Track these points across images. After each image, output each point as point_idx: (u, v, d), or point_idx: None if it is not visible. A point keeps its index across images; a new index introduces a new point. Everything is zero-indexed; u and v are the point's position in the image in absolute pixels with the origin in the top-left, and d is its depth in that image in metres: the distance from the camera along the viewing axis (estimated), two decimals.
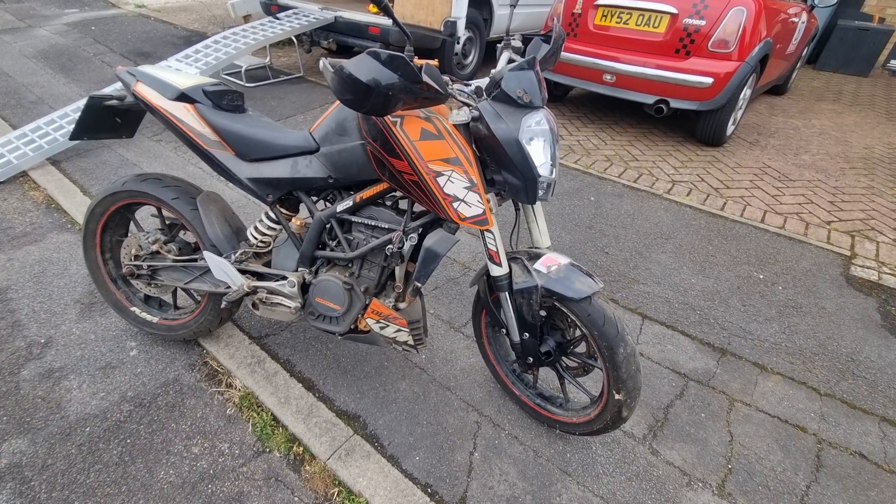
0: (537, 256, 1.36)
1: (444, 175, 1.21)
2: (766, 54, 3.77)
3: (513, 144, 1.16)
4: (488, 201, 1.26)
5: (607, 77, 3.82)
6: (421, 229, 1.38)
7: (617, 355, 1.27)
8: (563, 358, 1.50)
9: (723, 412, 1.73)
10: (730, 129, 3.94)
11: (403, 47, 4.46)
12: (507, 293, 1.38)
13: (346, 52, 5.78)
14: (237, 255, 1.54)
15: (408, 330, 1.49)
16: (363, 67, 0.97)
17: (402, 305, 1.51)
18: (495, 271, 1.36)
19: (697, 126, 3.89)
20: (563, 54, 3.99)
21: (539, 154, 1.20)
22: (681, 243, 2.62)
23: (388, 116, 1.23)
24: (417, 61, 1.13)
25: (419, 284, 1.40)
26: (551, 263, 1.33)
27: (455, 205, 1.24)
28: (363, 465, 1.49)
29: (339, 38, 4.60)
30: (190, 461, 1.48)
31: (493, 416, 1.67)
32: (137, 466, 1.46)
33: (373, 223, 1.42)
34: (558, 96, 4.82)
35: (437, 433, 1.60)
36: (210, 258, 1.51)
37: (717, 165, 3.62)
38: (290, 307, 1.52)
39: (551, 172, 1.23)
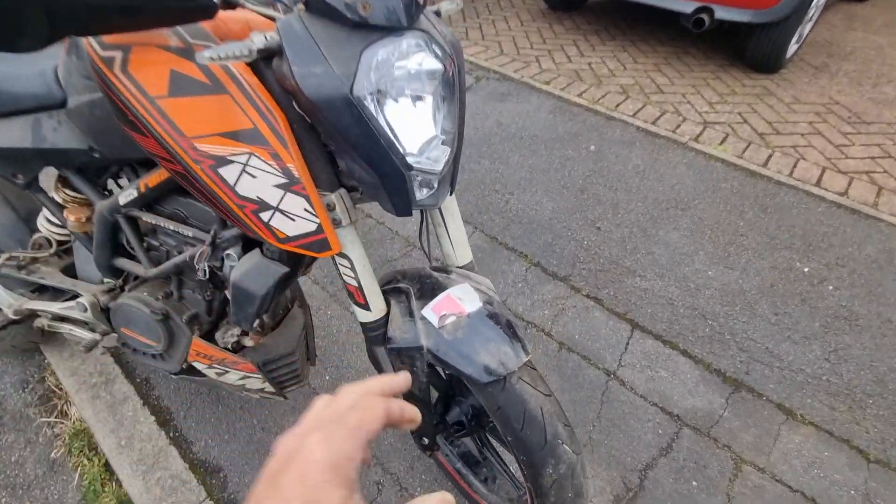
0: (434, 289, 0.82)
1: (231, 163, 0.65)
2: None
3: (338, 107, 0.57)
4: (330, 207, 0.70)
5: None
6: (241, 242, 0.84)
7: (542, 477, 0.76)
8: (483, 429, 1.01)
9: (723, 479, 1.24)
10: (792, 48, 3.02)
11: None
12: (383, 348, 0.85)
13: None
14: (5, 258, 1.03)
15: (259, 376, 1.01)
16: None
17: (248, 342, 1.02)
18: (361, 316, 0.83)
19: (749, 45, 2.99)
20: None
21: (412, 123, 0.62)
22: (702, 216, 1.98)
23: (93, 45, 0.63)
24: None
25: (237, 330, 0.89)
26: (448, 311, 0.78)
27: (264, 216, 0.69)
28: None
29: None
30: None
31: (401, 476, 1.23)
32: None
33: (173, 228, 0.88)
34: (574, 2, 3.85)
35: None
36: None
37: (767, 100, 2.80)
38: (84, 338, 1.04)
39: (443, 159, 0.66)
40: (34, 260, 1.06)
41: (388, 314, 0.84)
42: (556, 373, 1.46)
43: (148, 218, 0.89)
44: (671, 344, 1.53)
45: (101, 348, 1.10)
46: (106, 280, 1.04)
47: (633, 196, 2.06)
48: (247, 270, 0.78)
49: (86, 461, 1.24)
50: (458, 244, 0.91)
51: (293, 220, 0.69)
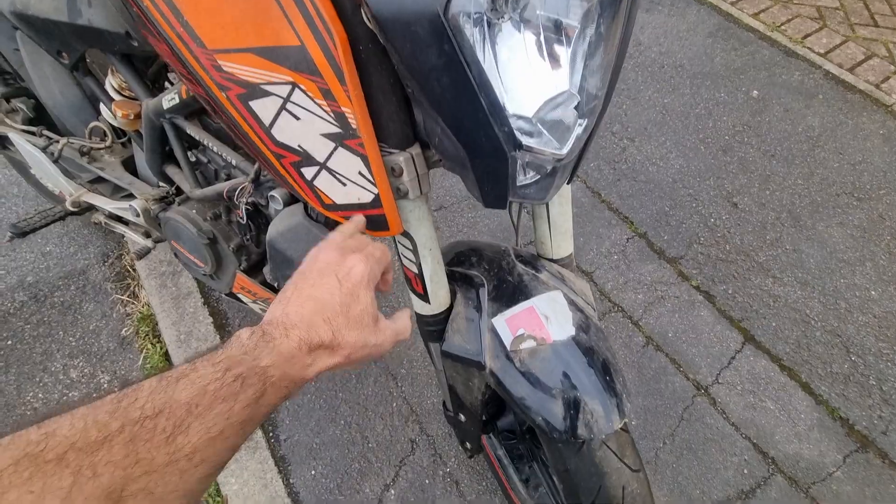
0: (515, 292, 0.63)
1: (267, 94, 0.47)
2: None
3: (418, 32, 0.35)
4: (395, 171, 0.50)
5: None
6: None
7: None
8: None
9: None
10: None
11: None
12: (438, 345, 0.69)
13: None
14: (64, 143, 0.96)
15: None
16: None
17: None
18: (417, 306, 0.67)
19: None
20: None
21: (532, 68, 0.39)
22: (884, 213, 1.50)
23: None
24: None
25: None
26: (527, 329, 0.59)
27: (307, 172, 0.52)
28: (243, 460, 1.12)
29: None
30: (63, 388, 1.23)
31: (437, 440, 1.16)
32: (8, 378, 1.24)
33: (216, 149, 0.73)
34: None
35: (352, 442, 1.15)
36: (19, 141, 0.97)
37: None
38: (138, 243, 0.99)
39: (572, 135, 0.42)
40: (109, 145, 0.98)
41: (450, 308, 0.66)
42: (634, 370, 1.25)
43: (192, 131, 0.74)
44: (791, 372, 1.24)
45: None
46: (161, 184, 0.95)
47: (795, 169, 1.59)
48: (285, 230, 0.63)
49: (150, 346, 1.29)
50: (558, 231, 0.68)
51: (343, 184, 0.50)
